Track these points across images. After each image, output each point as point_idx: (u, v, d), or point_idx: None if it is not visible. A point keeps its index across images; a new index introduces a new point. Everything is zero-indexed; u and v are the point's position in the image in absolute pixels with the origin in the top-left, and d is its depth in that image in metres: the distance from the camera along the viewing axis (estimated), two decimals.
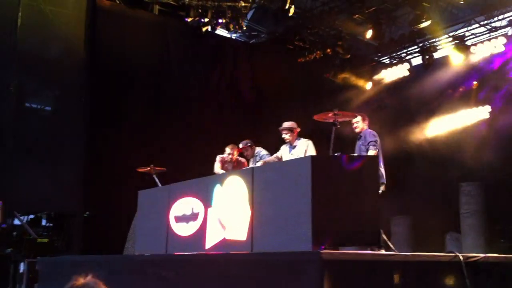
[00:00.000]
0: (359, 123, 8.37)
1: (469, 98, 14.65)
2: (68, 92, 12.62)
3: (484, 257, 5.62)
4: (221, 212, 7.08)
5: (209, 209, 7.30)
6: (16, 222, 11.61)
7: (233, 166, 9.68)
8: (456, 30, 14.96)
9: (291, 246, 5.71)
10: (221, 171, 9.27)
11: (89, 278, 3.04)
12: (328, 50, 15.75)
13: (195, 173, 8.45)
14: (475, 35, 14.72)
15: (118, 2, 13.95)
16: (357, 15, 14.77)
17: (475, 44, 14.23)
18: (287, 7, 13.22)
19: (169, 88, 14.12)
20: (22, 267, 10.18)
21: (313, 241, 5.53)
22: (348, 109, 13.33)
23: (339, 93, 15.81)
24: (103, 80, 13.04)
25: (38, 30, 12.12)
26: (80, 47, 12.61)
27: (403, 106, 15.65)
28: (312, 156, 6.99)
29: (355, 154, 8.08)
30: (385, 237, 7.13)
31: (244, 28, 14.76)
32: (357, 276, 4.80)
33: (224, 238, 6.93)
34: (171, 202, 8.13)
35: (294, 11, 13.54)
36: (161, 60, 14.39)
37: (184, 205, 7.82)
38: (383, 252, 6.26)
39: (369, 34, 14.24)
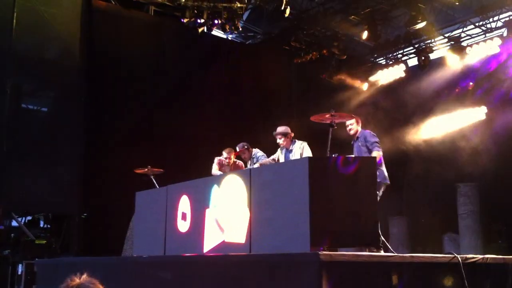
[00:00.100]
0: (354, 125, 8.28)
1: (465, 99, 14.68)
2: (65, 93, 12.60)
3: (482, 258, 5.63)
4: (219, 214, 7.08)
5: (206, 210, 7.30)
6: (14, 223, 11.60)
7: (231, 169, 9.67)
8: (451, 31, 15.00)
9: (289, 248, 5.71)
10: (219, 173, 9.27)
11: (84, 277, 3.03)
12: (324, 51, 15.78)
13: (192, 174, 8.44)
14: (471, 36, 14.77)
15: (113, 3, 13.93)
16: (352, 16, 14.80)
17: (470, 45, 14.26)
18: (283, 8, 13.22)
19: (165, 89, 14.11)
20: (20, 268, 10.17)
21: (311, 242, 5.53)
22: (344, 110, 13.37)
23: (336, 94, 15.81)
24: (100, 81, 13.04)
25: (34, 31, 12.11)
26: (76, 48, 12.59)
27: (399, 107, 15.67)
28: (309, 157, 7.00)
29: (354, 155, 8.07)
30: (383, 238, 7.15)
31: (240, 29, 14.75)
32: (355, 277, 4.81)
33: (223, 241, 6.93)
34: (169, 203, 8.13)
35: (290, 12, 13.54)
36: (157, 60, 14.36)
37: (183, 205, 7.82)
38: (381, 253, 6.26)
39: (364, 35, 14.27)
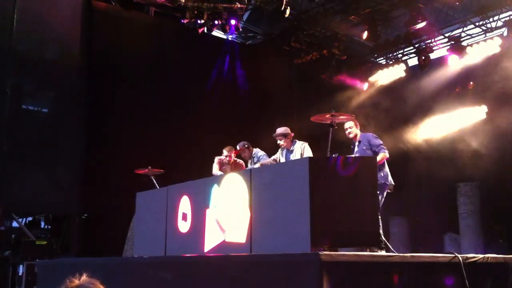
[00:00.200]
0: (353, 129, 8.24)
1: (466, 98, 14.67)
2: (65, 94, 12.60)
3: (483, 257, 5.62)
4: (220, 214, 7.08)
5: (207, 211, 7.30)
6: (15, 224, 11.60)
7: (231, 168, 9.68)
8: (451, 31, 15.00)
9: (290, 248, 5.71)
10: (219, 173, 9.28)
11: (84, 278, 3.01)
12: (324, 51, 15.78)
13: (193, 174, 8.44)
14: (471, 36, 14.76)
15: (114, 4, 13.93)
16: (352, 16, 14.79)
17: (471, 45, 14.26)
18: (283, 8, 13.22)
19: (166, 90, 14.10)
20: (20, 269, 10.18)
21: (312, 242, 5.53)
22: (345, 110, 13.37)
23: (336, 94, 15.81)
24: (100, 82, 13.04)
25: (34, 32, 12.11)
26: (76, 48, 12.60)
27: (400, 107, 15.66)
28: (310, 158, 6.99)
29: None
30: (384, 239, 7.15)
31: (240, 30, 14.75)
32: (356, 277, 4.81)
33: (224, 240, 6.93)
34: (169, 204, 8.14)
35: (290, 12, 13.54)
36: (158, 61, 14.36)
37: (184, 205, 7.82)
38: (382, 253, 6.26)
39: (365, 35, 14.27)
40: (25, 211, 12.19)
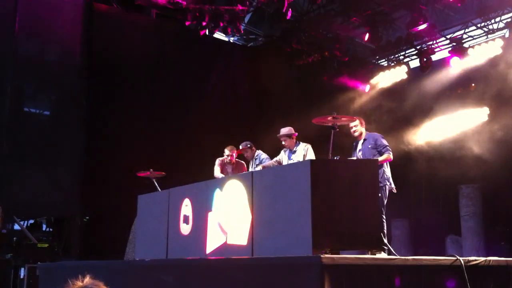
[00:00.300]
0: (358, 127, 8.30)
1: (467, 100, 14.65)
2: (66, 95, 12.63)
3: (485, 260, 5.62)
4: (222, 217, 7.08)
5: (209, 214, 7.30)
6: (16, 227, 11.60)
7: (233, 168, 9.68)
8: (453, 33, 14.98)
9: (291, 251, 5.71)
10: (221, 175, 9.27)
11: (87, 280, 3.00)
12: (326, 53, 15.77)
13: (193, 174, 8.45)
14: (473, 37, 14.74)
15: (115, 6, 13.93)
16: (354, 18, 14.78)
17: (472, 46, 14.24)
18: (284, 10, 13.21)
19: (166, 92, 14.11)
20: (22, 272, 10.17)
21: (313, 245, 5.53)
22: (346, 112, 13.36)
23: (337, 96, 15.80)
24: (101, 84, 13.05)
25: (35, 34, 12.12)
26: (77, 50, 12.61)
27: (401, 108, 15.65)
28: (311, 160, 6.97)
29: (361, 157, 8.08)
30: (385, 241, 7.14)
31: (242, 32, 14.75)
32: (357, 280, 4.80)
33: (225, 242, 6.93)
34: (171, 206, 8.14)
35: (291, 14, 13.53)
36: (159, 63, 14.36)
37: (185, 208, 7.82)
38: (383, 256, 6.25)
39: (366, 37, 14.26)
40: (25, 213, 12.18)
